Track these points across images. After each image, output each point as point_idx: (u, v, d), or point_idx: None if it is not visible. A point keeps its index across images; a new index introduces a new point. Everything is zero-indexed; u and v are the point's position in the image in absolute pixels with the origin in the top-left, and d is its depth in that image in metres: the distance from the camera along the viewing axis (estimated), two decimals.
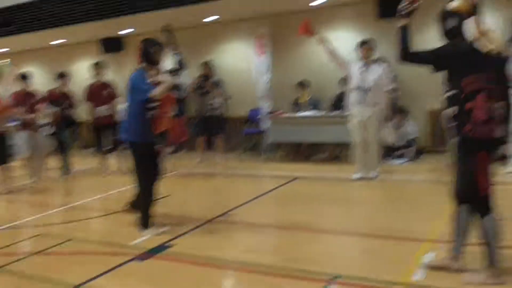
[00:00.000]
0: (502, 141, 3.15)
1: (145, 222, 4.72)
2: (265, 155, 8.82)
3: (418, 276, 3.33)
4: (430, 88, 8.09)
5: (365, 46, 6.39)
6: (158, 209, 4.97)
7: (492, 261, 3.12)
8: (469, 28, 3.00)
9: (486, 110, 2.99)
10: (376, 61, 6.64)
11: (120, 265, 3.90)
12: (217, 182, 7.27)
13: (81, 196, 6.79)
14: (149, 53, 4.63)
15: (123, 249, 4.29)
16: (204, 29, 10.46)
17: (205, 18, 9.83)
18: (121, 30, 10.87)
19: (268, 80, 9.18)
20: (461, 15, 3.05)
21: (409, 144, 7.74)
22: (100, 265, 3.90)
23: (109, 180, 7.86)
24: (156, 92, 4.52)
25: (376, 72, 6.31)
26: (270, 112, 8.85)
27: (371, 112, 6.31)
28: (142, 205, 4.75)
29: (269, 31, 9.28)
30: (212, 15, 9.63)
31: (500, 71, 3.11)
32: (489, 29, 3.05)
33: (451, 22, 3.09)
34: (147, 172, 4.74)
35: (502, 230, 3.13)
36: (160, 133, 8.10)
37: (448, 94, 3.11)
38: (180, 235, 4.58)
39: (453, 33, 3.10)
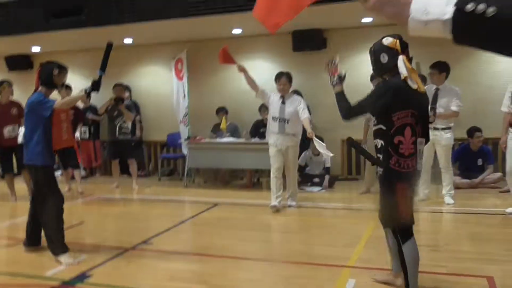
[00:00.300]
0: (419, 173, 3.38)
1: (61, 248, 4.49)
2: (185, 181, 8.72)
3: None
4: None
5: (283, 78, 6.41)
6: (72, 237, 4.72)
7: (409, 286, 3.25)
8: (401, 65, 3.12)
9: (411, 145, 3.16)
10: (293, 92, 6.71)
11: None
12: (135, 208, 7.06)
13: None
14: (51, 76, 4.56)
15: (37, 281, 4.02)
16: (122, 51, 10.25)
17: (123, 40, 9.64)
18: (31, 48, 10.37)
19: (187, 105, 9.17)
20: (395, 52, 3.17)
21: (325, 172, 8.02)
22: None
23: (16, 205, 7.36)
24: (59, 103, 4.53)
25: (294, 104, 6.35)
26: (189, 137, 8.80)
27: (290, 141, 6.37)
28: (54, 232, 4.54)
29: (187, 56, 9.30)
30: (128, 36, 9.47)
31: (424, 109, 3.33)
32: (413, 68, 3.22)
33: (386, 57, 3.20)
34: (56, 196, 4.59)
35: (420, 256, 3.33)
36: (69, 155, 7.86)
37: (377, 127, 3.23)
38: (98, 265, 4.36)
39: (388, 67, 3.22)
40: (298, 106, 6.32)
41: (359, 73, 8.86)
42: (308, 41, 8.73)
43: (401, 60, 3.12)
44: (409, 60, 3.19)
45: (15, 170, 7.77)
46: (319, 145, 6.07)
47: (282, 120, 6.31)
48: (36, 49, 10.49)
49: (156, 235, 5.37)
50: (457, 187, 7.48)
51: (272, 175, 6.49)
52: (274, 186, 6.46)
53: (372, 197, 7.00)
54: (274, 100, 6.41)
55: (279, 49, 9.21)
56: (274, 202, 6.45)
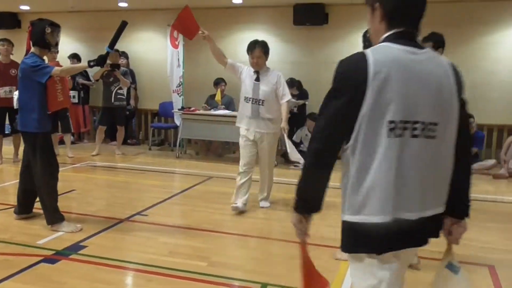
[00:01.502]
0: None
1: (58, 217, 4.37)
2: (177, 151, 8.56)
3: (346, 285, 3.37)
4: None
5: (257, 49, 5.03)
6: (64, 205, 4.57)
7: None
8: None
9: None
10: (269, 69, 5.22)
11: (26, 268, 3.52)
12: (126, 177, 6.87)
13: None
14: (43, 34, 4.30)
15: (28, 250, 3.88)
16: (116, 15, 9.91)
17: (117, 3, 9.30)
18: (19, 5, 9.96)
19: (182, 74, 8.95)
20: None
21: None
22: (2, 269, 3.48)
23: (2, 169, 7.14)
24: (58, 70, 4.30)
25: (271, 81, 5.11)
26: (183, 108, 8.61)
27: (265, 128, 5.13)
28: (49, 200, 4.40)
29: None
30: (123, 0, 9.14)
31: None
32: None
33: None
34: (52, 163, 4.43)
35: None
36: (61, 118, 7.67)
37: None
38: (92, 235, 4.25)
39: None
40: (276, 85, 5.10)
41: (359, 50, 8.71)
42: (310, 15, 8.52)
43: None
44: None
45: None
46: (290, 146, 5.13)
47: (256, 101, 5.09)
48: (24, 7, 10.08)
49: (150, 206, 5.24)
50: None
51: (240, 169, 5.18)
52: (240, 185, 5.13)
53: None
54: (247, 76, 5.18)
55: (280, 22, 8.97)
56: (238, 202, 5.09)
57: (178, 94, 8.95)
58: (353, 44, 8.75)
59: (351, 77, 1.65)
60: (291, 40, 8.86)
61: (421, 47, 1.73)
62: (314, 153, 1.75)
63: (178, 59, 8.96)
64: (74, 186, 6.02)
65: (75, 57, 9.30)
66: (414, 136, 1.67)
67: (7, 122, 7.51)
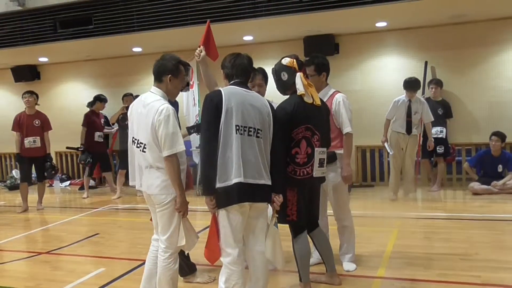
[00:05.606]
0: (320, 180, 3.66)
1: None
2: (196, 189, 8.59)
3: None
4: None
5: (257, 77, 4.17)
6: (88, 250, 4.57)
7: (300, 277, 3.64)
8: (298, 82, 3.46)
9: (305, 155, 3.48)
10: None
11: None
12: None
13: None
14: None
15: None
16: (131, 60, 10.16)
17: (132, 49, 9.55)
18: (38, 58, 10.25)
19: (198, 113, 9.05)
20: (294, 70, 3.50)
21: None
22: None
23: (27, 216, 7.22)
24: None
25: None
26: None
27: None
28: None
29: (197, 63, 9.11)
30: (137, 46, 9.38)
31: (323, 120, 3.64)
32: (310, 83, 3.58)
33: (286, 75, 3.53)
34: None
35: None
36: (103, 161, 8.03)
37: None
38: (117, 278, 4.24)
39: (289, 84, 3.54)
40: None
41: (371, 78, 8.75)
42: (320, 46, 8.58)
43: (298, 77, 3.48)
44: (306, 76, 3.58)
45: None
46: None
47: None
48: (43, 59, 10.38)
49: None
50: (475, 193, 7.34)
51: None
52: None
53: (396, 203, 6.91)
54: None
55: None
56: None
57: (195, 132, 9.01)
58: (365, 72, 8.80)
59: (214, 102, 2.94)
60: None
61: (249, 89, 3.17)
62: (203, 150, 2.97)
63: (194, 98, 9.09)
64: (97, 229, 6.05)
65: (102, 100, 9.47)
66: (250, 135, 3.00)
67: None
